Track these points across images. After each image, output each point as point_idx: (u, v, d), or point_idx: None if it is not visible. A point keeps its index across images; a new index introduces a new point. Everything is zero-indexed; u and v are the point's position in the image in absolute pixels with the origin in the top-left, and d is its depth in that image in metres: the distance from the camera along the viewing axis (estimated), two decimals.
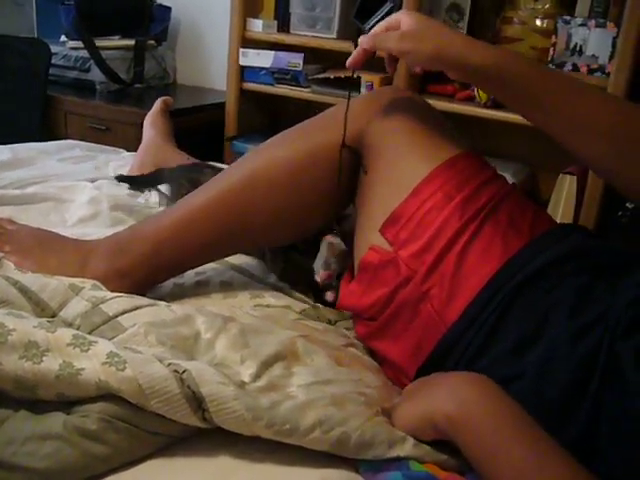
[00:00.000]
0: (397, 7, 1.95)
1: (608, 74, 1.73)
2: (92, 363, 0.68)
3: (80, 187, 1.26)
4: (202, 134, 2.21)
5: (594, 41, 1.74)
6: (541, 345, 0.76)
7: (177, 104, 2.21)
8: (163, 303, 0.90)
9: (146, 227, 1.02)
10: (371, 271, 0.91)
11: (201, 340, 0.81)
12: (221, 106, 2.25)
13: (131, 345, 0.77)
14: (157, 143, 1.48)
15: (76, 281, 0.92)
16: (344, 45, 2.06)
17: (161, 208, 1.29)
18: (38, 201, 1.19)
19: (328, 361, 0.82)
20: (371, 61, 0.93)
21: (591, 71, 1.77)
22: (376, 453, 0.71)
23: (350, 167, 0.98)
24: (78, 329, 0.82)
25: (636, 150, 0.76)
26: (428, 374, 0.80)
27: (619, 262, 0.83)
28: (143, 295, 1.01)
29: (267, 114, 2.40)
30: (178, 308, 0.87)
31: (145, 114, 1.99)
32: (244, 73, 2.18)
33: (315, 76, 2.09)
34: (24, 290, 0.88)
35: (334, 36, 2.11)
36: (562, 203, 1.78)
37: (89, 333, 0.81)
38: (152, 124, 1.53)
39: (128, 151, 1.75)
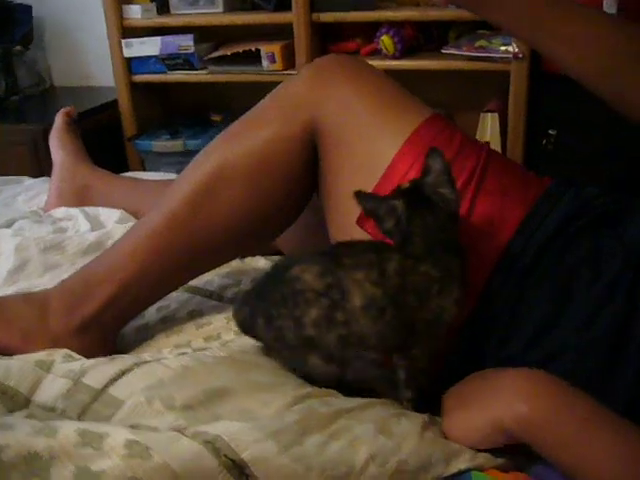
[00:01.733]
0: None
1: None
2: (112, 461, 0.59)
3: (1, 236, 1.11)
4: (97, 138, 2.03)
5: None
6: (570, 319, 0.73)
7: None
8: (146, 357, 0.81)
9: (99, 268, 0.92)
10: None
11: (213, 390, 0.72)
12: (113, 104, 2.08)
13: (139, 421, 0.68)
14: (72, 165, 1.33)
15: (41, 356, 0.81)
16: (233, 18, 1.95)
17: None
18: None
19: None
20: None
21: None
22: (436, 472, 0.66)
23: (309, 158, 0.90)
24: (63, 413, 0.72)
25: (638, 69, 0.72)
26: (456, 369, 0.76)
27: (617, 209, 0.81)
28: (113, 347, 0.92)
29: (164, 105, 2.25)
30: (170, 361, 0.77)
31: (31, 129, 1.81)
32: (131, 65, 2.02)
33: (210, 56, 1.97)
34: None
35: (220, 10, 1.98)
36: (488, 141, 1.78)
37: (80, 416, 0.71)
38: (58, 143, 1.37)
39: (28, 176, 1.59)
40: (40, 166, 1.88)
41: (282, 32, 1.94)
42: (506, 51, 1.70)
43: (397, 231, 0.73)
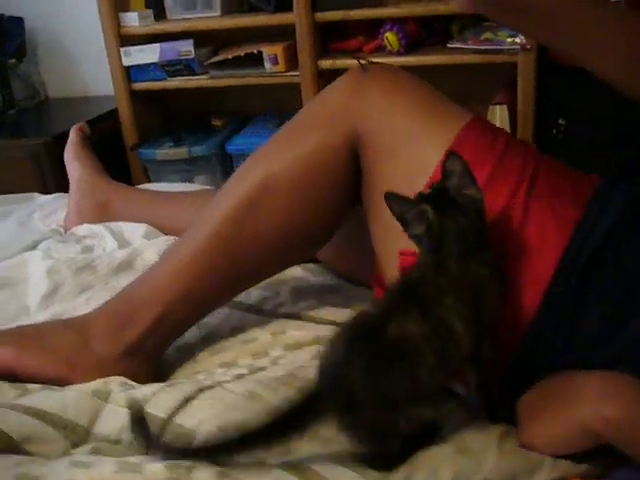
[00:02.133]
0: None
1: None
2: None
3: (29, 260, 1.09)
4: (98, 149, 1.99)
5: None
6: (634, 321, 0.72)
7: (61, 123, 2.01)
8: (205, 381, 0.79)
9: (143, 289, 0.90)
10: None
11: None
12: (112, 114, 2.05)
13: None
14: (90, 180, 1.30)
15: (97, 385, 0.79)
16: (234, 21, 1.92)
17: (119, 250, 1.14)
18: None
19: None
20: None
21: None
22: None
23: (352, 168, 0.89)
24: (131, 446, 0.70)
25: None
26: (520, 376, 0.75)
27: None
28: (157, 368, 0.90)
29: (163, 112, 2.22)
30: (234, 386, 0.76)
31: (33, 144, 1.77)
32: (130, 73, 1.98)
33: (210, 60, 1.94)
34: (42, 415, 0.74)
35: (218, 13, 1.95)
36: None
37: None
38: (75, 159, 1.34)
39: (30, 192, 1.56)
40: (44, 181, 1.86)
41: (282, 33, 1.92)
42: (513, 42, 1.69)
43: (428, 236, 0.71)
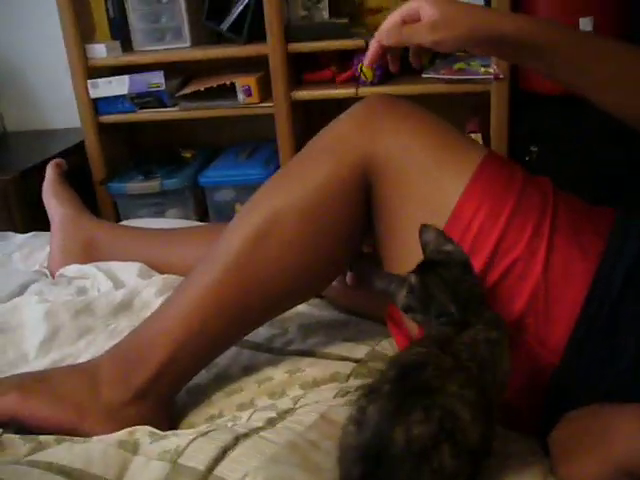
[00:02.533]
0: (253, 1, 1.83)
1: None
2: None
3: (23, 304, 1.03)
4: None
5: None
6: None
7: (25, 158, 1.94)
8: (238, 429, 0.75)
9: (151, 331, 0.87)
10: None
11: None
12: (77, 147, 1.99)
13: None
14: (73, 218, 1.25)
15: (122, 436, 0.75)
16: (203, 52, 1.90)
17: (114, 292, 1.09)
18: None
19: None
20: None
21: None
22: None
23: (362, 200, 0.88)
24: None
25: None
26: (557, 411, 0.74)
27: None
28: (170, 413, 0.86)
29: (131, 145, 2.17)
30: (272, 435, 0.72)
31: None
32: (97, 105, 1.94)
33: (181, 92, 1.91)
34: (66, 472, 0.69)
35: (188, 45, 1.93)
36: None
37: None
38: (55, 197, 1.28)
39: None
40: (12, 218, 1.78)
41: (252, 64, 1.91)
42: (486, 72, 1.72)
43: (414, 299, 0.69)
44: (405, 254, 0.86)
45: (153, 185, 1.93)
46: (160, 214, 1.97)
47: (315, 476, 0.67)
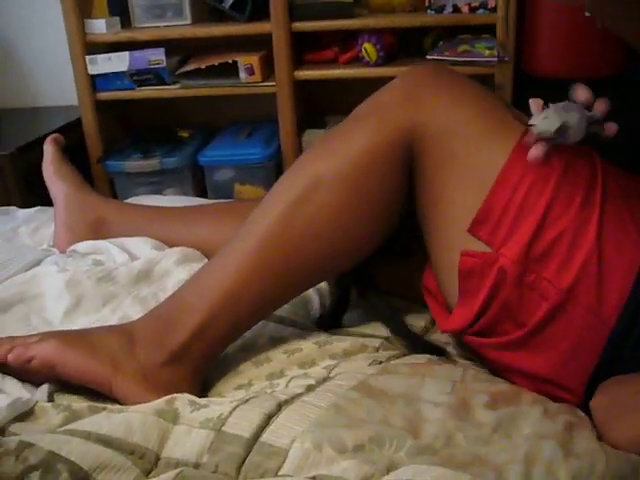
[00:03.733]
0: None
1: (492, 9, 1.74)
2: None
3: (42, 274, 1.01)
4: None
5: None
6: None
7: (22, 135, 1.90)
8: (281, 397, 0.74)
9: (188, 295, 0.87)
10: (473, 280, 0.82)
11: (378, 427, 0.67)
12: (74, 124, 1.95)
13: (317, 471, 0.62)
14: (78, 197, 1.22)
15: (160, 405, 0.74)
16: (205, 30, 1.87)
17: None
18: (5, 309, 0.94)
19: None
20: None
21: (473, 9, 1.77)
22: None
23: (406, 167, 0.87)
24: (216, 471, 0.65)
25: None
26: (600, 380, 0.75)
27: None
28: (202, 380, 0.85)
29: (126, 123, 2.13)
30: (313, 398, 0.72)
31: None
32: (95, 82, 1.90)
33: (182, 70, 1.88)
34: (106, 441, 0.68)
35: (189, 22, 1.90)
36: None
37: (238, 470, 0.65)
38: (56, 175, 1.25)
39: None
40: (8, 195, 1.75)
41: (254, 42, 1.89)
42: (491, 54, 1.72)
43: None
44: (450, 225, 0.86)
45: (152, 164, 1.90)
46: (158, 193, 1.94)
47: (361, 431, 0.67)
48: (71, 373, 0.80)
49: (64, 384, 0.82)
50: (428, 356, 0.88)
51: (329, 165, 0.86)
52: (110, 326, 0.88)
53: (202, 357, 0.85)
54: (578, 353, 0.77)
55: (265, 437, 0.67)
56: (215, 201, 1.41)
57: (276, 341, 0.94)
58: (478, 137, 0.84)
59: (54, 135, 1.33)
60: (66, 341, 0.81)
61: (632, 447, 0.68)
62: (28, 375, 0.82)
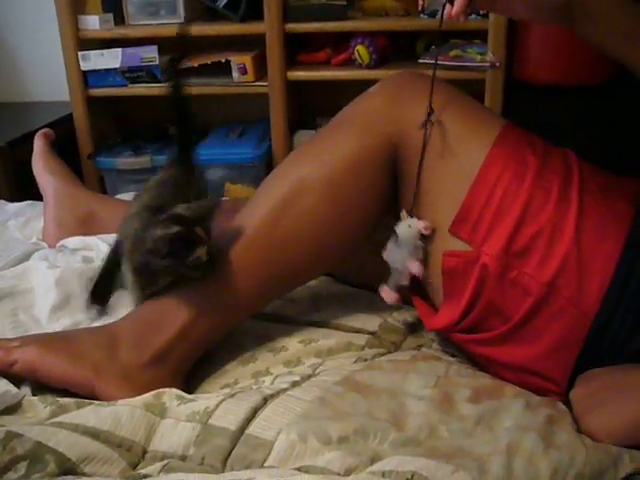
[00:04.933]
0: None
1: (484, 15, 1.75)
2: None
3: (32, 269, 1.01)
4: None
5: None
6: None
7: (11, 129, 1.90)
8: (267, 391, 0.75)
9: (172, 297, 0.87)
10: (456, 279, 0.83)
11: (362, 419, 0.68)
12: (64, 120, 1.95)
13: (302, 462, 0.63)
14: (68, 192, 1.23)
15: (148, 399, 0.74)
16: (196, 29, 1.87)
17: None
18: None
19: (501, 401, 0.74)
20: None
21: None
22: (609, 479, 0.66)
23: (390, 172, 0.89)
24: (202, 463, 0.66)
25: None
26: (582, 371, 0.76)
27: None
28: (185, 381, 0.86)
29: (116, 119, 2.13)
30: (298, 392, 0.73)
31: None
32: (87, 78, 1.90)
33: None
34: (93, 434, 0.69)
35: (182, 20, 1.90)
36: None
37: (224, 462, 0.66)
38: (46, 169, 1.26)
39: None
40: None
41: (246, 43, 1.89)
42: (482, 60, 1.74)
43: None
44: (434, 221, 0.87)
45: (143, 161, 1.90)
46: None
47: (346, 423, 0.68)
48: (53, 378, 0.80)
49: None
50: (413, 352, 0.89)
51: (314, 170, 0.87)
52: (92, 328, 0.88)
53: (184, 358, 0.86)
54: (561, 344, 0.78)
55: (251, 429, 0.68)
56: None
57: (262, 339, 0.95)
58: (463, 137, 0.86)
59: (44, 130, 1.34)
60: (47, 346, 0.81)
61: (609, 438, 0.70)
62: (9, 376, 0.81)
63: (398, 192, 0.90)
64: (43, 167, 1.27)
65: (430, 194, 0.87)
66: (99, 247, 1.12)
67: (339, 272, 1.09)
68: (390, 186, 0.90)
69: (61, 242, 1.17)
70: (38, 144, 1.30)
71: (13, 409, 0.74)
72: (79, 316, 0.95)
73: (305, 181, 0.87)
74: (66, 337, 0.84)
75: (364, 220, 0.91)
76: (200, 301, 0.85)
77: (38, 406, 0.75)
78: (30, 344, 0.81)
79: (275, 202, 0.87)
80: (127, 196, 1.50)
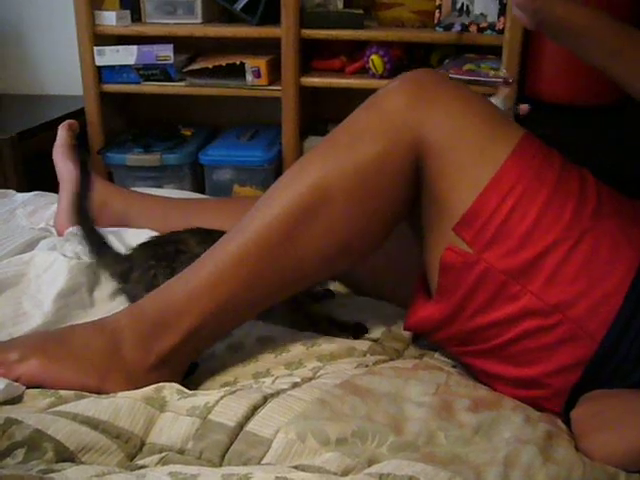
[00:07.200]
0: None
1: (499, 31, 1.76)
2: None
3: (42, 259, 1.02)
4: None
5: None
6: None
7: (22, 120, 1.91)
8: (267, 390, 0.75)
9: (178, 297, 0.85)
10: (450, 276, 0.83)
11: (360, 422, 0.68)
12: (76, 114, 1.95)
13: (299, 461, 0.63)
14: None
15: (148, 392, 0.74)
16: (212, 30, 1.89)
17: None
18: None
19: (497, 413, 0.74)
20: None
21: (481, 30, 1.79)
22: None
23: (413, 179, 0.86)
24: (200, 457, 0.66)
25: None
26: (582, 392, 0.76)
27: None
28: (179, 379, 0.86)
29: (128, 117, 2.14)
30: (298, 392, 0.73)
31: None
32: (101, 74, 1.91)
33: (189, 68, 1.89)
34: (92, 424, 0.69)
35: (199, 20, 1.92)
36: None
37: (222, 457, 0.66)
38: (68, 158, 1.26)
39: None
40: (6, 179, 1.75)
41: (262, 46, 1.90)
42: (495, 75, 1.74)
43: None
44: (445, 223, 0.85)
45: (153, 158, 1.91)
46: (156, 188, 1.95)
47: (345, 425, 0.68)
48: (58, 387, 0.78)
49: None
50: (414, 361, 0.89)
51: (335, 175, 0.83)
52: (94, 324, 0.85)
53: (187, 359, 0.86)
54: (563, 365, 0.78)
55: (250, 427, 0.68)
56: (222, 197, 1.42)
57: (264, 341, 0.95)
58: (483, 147, 0.84)
59: (69, 121, 1.35)
60: (49, 357, 0.79)
61: (607, 461, 0.69)
62: None
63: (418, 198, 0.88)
64: (63, 157, 1.27)
65: (443, 190, 0.84)
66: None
67: (346, 278, 1.09)
68: (412, 194, 0.87)
69: (70, 229, 1.17)
70: (62, 134, 1.31)
71: (13, 401, 0.74)
72: (80, 312, 0.95)
73: (324, 189, 0.83)
74: (65, 340, 0.82)
75: (382, 230, 0.88)
76: (208, 305, 0.83)
77: (38, 398, 0.75)
78: (30, 357, 0.79)
79: (291, 207, 0.83)
80: (145, 191, 1.51)
